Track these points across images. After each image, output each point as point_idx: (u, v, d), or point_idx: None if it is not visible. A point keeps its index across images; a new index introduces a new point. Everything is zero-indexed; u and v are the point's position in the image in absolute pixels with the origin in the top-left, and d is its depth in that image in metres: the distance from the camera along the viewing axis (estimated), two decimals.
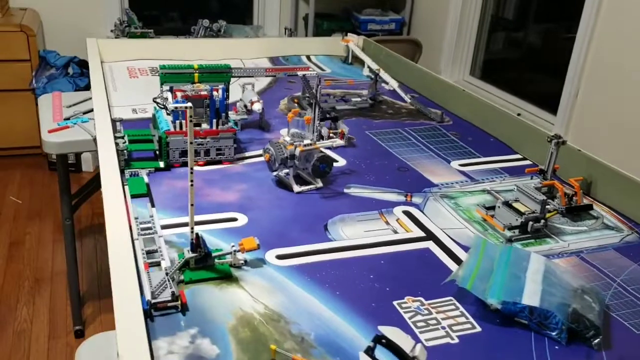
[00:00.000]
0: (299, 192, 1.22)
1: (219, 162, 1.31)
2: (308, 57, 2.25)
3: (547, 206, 1.19)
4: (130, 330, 0.75)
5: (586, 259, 1.05)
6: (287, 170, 1.24)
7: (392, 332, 0.67)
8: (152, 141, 1.33)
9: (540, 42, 3.14)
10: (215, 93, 1.28)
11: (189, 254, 0.92)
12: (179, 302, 0.85)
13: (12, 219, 2.66)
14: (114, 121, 1.37)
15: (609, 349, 0.82)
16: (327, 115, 1.46)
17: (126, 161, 1.25)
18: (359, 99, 1.79)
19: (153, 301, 0.84)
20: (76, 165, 3.04)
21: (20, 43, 3.01)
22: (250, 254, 0.98)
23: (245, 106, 1.49)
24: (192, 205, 0.89)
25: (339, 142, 1.46)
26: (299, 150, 1.21)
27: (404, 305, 0.89)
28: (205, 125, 1.30)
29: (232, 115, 1.47)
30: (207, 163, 1.31)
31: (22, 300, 2.13)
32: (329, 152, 1.39)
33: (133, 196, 1.14)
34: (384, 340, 0.65)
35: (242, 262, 0.96)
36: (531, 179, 1.31)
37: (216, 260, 0.95)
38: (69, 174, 1.92)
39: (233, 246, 0.96)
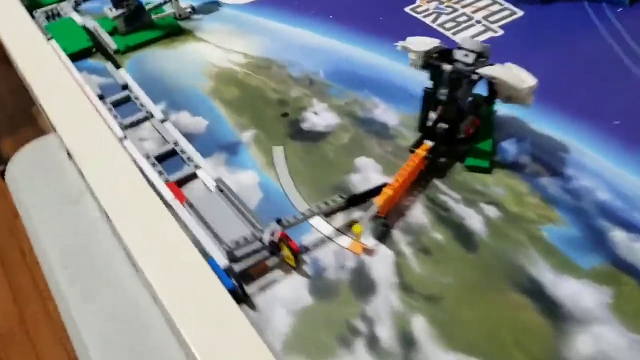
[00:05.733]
0: None
1: None
2: None
3: None
4: None
5: None
6: None
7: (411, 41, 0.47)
8: None
9: None
10: None
11: (112, 13, 0.65)
12: (292, 253, 0.42)
13: None
14: None
15: None
16: None
17: None
18: None
19: (238, 269, 0.42)
20: None
21: None
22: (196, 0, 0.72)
23: None
24: None
25: None
26: None
27: (418, 10, 0.68)
28: None
29: None
30: None
31: None
32: None
33: (72, 56, 0.63)
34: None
35: (189, 10, 0.70)
36: None
37: (153, 16, 0.68)
38: None
39: None
